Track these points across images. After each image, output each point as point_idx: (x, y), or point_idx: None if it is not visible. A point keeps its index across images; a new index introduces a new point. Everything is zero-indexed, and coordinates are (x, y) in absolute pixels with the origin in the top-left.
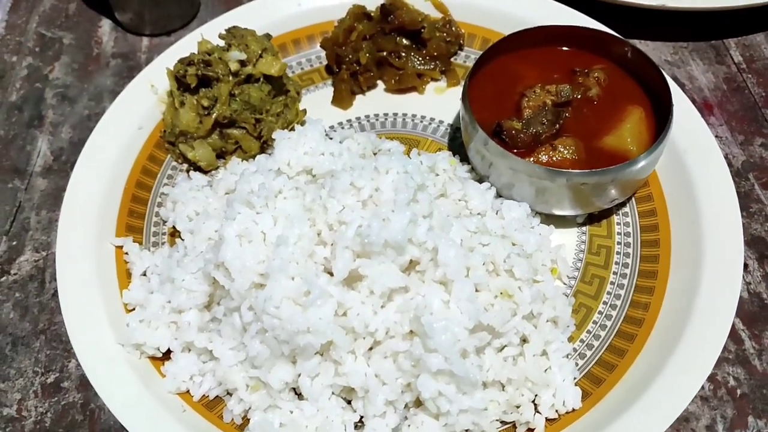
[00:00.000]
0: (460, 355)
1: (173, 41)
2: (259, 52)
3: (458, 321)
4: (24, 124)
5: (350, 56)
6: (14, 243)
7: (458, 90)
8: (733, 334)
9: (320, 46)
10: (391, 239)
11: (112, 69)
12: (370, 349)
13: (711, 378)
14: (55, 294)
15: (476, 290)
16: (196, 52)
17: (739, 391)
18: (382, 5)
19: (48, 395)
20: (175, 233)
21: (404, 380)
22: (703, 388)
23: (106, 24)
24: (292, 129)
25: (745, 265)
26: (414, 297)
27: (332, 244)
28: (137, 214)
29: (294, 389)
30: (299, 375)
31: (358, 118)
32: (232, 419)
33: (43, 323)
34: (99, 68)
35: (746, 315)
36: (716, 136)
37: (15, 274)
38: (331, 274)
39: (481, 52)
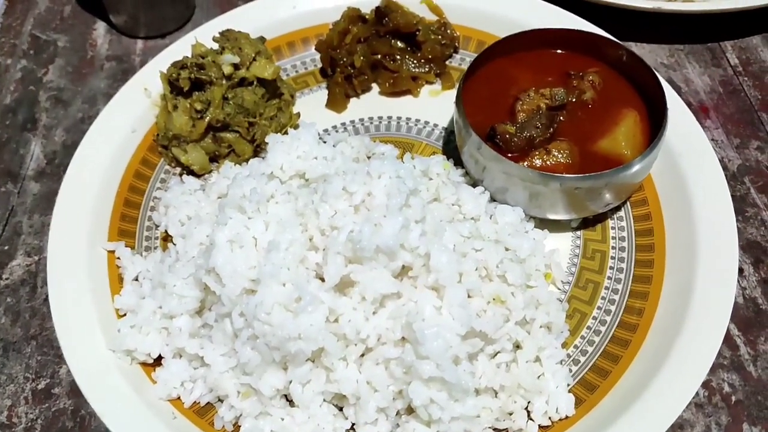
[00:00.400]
0: (452, 362)
1: (168, 44)
2: (253, 55)
3: (450, 327)
4: (17, 127)
5: (345, 59)
6: (6, 247)
7: (453, 93)
8: (728, 340)
9: (315, 48)
10: (383, 245)
11: (106, 72)
12: (362, 355)
13: (705, 384)
14: (46, 299)
15: (469, 296)
16: (189, 55)
17: (734, 398)
18: (377, 8)
19: (39, 401)
20: (167, 238)
21: (396, 387)
22: (697, 394)
23: (100, 26)
24: (286, 132)
25: (741, 270)
26: (406, 303)
27: (324, 250)
28: (130, 218)
29: (285, 396)
30: (290, 382)
31: (352, 122)
32: (223, 426)
33: (35, 329)
34: (93, 71)
35: (741, 320)
36: (712, 140)
37: (7, 278)
38: (323, 280)
39: (476, 55)
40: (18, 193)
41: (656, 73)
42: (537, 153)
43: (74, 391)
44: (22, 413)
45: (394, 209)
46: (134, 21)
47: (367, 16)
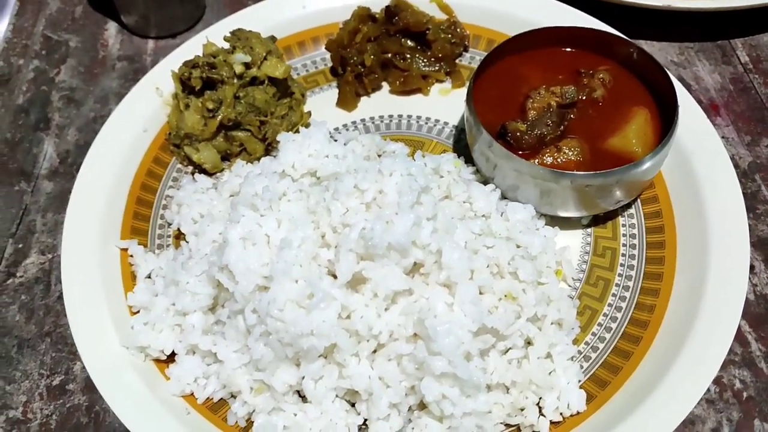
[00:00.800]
0: (464, 358)
1: (179, 43)
2: (264, 54)
3: (462, 324)
4: (30, 127)
5: (355, 58)
6: (20, 245)
7: (463, 91)
8: (740, 337)
9: (325, 48)
10: (395, 242)
11: (117, 71)
12: (374, 351)
13: (717, 380)
14: (60, 296)
15: (480, 293)
16: (201, 55)
17: (745, 394)
18: (387, 7)
19: (53, 397)
20: (180, 236)
21: (408, 383)
22: (708, 390)
23: (112, 27)
24: (297, 131)
25: (752, 267)
26: (418, 300)
27: (336, 247)
28: (142, 216)
29: (298, 392)
30: (303, 378)
31: (362, 120)
32: (236, 422)
33: (49, 326)
34: (105, 71)
35: (752, 317)
36: (723, 137)
37: (21, 276)
38: (335, 277)
39: (486, 54)
40: (31, 191)
41: (667, 70)
42: (548, 150)
43: (89, 387)
44: (37, 409)
45: (406, 207)
46: (145, 21)
47: (377, 15)
